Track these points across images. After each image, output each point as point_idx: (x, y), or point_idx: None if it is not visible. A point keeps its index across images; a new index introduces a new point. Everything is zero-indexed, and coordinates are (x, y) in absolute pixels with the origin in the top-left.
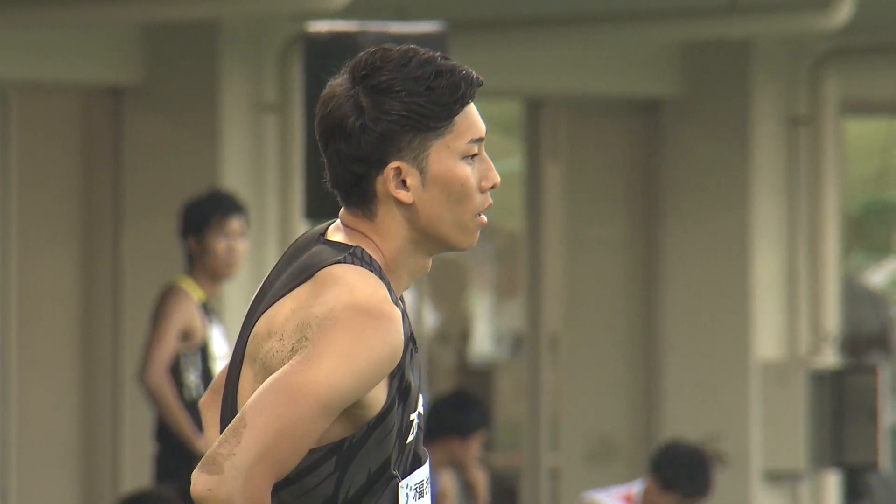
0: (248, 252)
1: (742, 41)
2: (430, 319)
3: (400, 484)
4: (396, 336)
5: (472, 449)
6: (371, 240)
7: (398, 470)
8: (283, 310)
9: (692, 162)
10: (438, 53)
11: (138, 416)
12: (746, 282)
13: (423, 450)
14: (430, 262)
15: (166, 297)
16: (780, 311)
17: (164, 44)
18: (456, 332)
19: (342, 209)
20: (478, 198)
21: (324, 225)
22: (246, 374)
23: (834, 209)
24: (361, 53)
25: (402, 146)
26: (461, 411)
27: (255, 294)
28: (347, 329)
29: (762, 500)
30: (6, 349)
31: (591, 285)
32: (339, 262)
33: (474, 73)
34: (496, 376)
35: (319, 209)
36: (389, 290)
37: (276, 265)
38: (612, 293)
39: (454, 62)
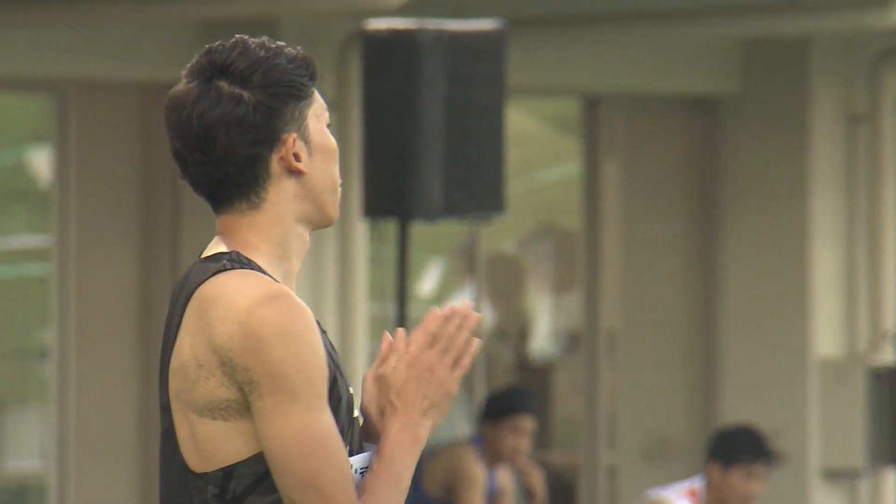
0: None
1: (800, 38)
2: (488, 317)
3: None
4: (301, 303)
5: (506, 436)
6: (248, 241)
7: (347, 446)
8: (186, 338)
9: (750, 159)
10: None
11: None
12: (805, 279)
13: (369, 445)
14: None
15: None
16: (839, 309)
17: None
18: (514, 329)
19: (218, 219)
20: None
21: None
22: (177, 416)
23: (893, 206)
24: (194, 60)
25: (288, 118)
26: (493, 396)
27: (163, 339)
28: (271, 332)
29: (820, 498)
30: (65, 347)
31: (649, 283)
32: (216, 273)
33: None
34: (554, 374)
35: (377, 208)
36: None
37: (169, 305)
38: (670, 291)
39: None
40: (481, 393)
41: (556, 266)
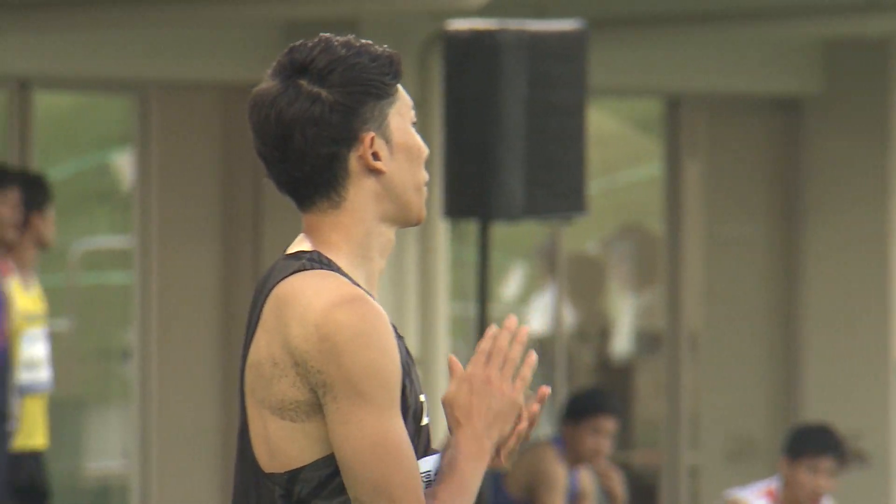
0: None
1: (883, 38)
2: (569, 318)
3: None
4: (377, 307)
5: (587, 437)
6: (331, 240)
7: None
8: (262, 336)
9: (832, 160)
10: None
11: None
12: (886, 279)
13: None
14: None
15: None
16: None
17: None
18: (595, 330)
19: (303, 218)
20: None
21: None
22: (251, 412)
23: None
24: (278, 59)
25: (367, 116)
26: (574, 397)
27: (245, 334)
28: (346, 335)
29: None
30: (147, 347)
31: (731, 283)
32: (294, 272)
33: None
34: (635, 374)
35: (458, 209)
36: (356, 285)
37: (252, 300)
38: (752, 291)
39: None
40: (563, 393)
41: (638, 266)
